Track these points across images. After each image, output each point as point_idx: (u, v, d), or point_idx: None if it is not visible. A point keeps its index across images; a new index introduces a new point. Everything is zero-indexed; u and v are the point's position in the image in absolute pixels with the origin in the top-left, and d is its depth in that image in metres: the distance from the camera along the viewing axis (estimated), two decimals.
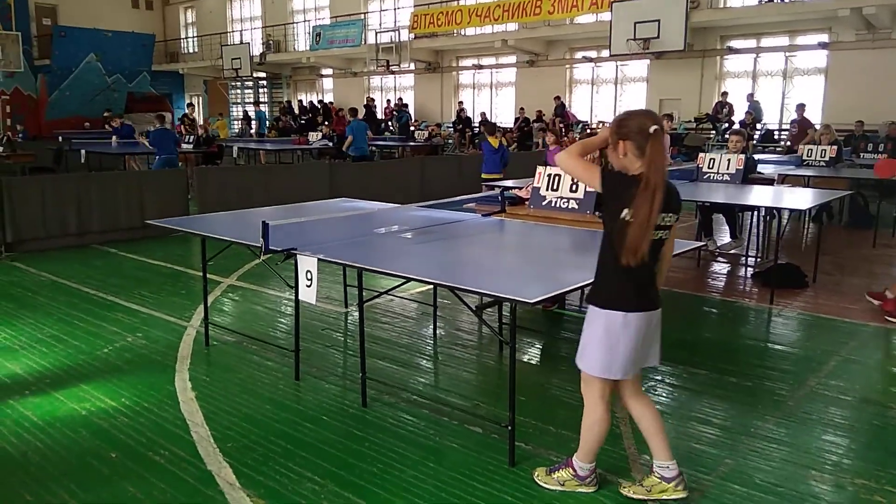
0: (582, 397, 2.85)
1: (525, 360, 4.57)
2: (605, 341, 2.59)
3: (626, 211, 2.47)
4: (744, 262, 7.40)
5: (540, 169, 5.25)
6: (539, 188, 5.20)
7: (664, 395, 3.95)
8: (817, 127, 12.86)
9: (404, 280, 3.52)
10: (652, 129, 2.46)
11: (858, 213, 9.52)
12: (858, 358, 4.59)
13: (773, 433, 3.42)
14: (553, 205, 5.08)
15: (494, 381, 4.27)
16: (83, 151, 12.63)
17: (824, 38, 15.03)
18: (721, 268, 7.24)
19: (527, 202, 5.30)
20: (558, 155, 2.73)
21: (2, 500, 2.86)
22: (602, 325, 2.60)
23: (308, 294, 3.51)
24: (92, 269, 7.03)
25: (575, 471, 2.85)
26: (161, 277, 6.71)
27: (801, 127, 13.71)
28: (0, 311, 5.46)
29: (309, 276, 3.48)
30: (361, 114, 21.55)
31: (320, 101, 24.67)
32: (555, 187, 5.11)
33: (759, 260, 7.31)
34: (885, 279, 6.15)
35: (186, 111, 11.87)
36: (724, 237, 7.82)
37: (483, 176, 9.86)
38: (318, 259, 3.45)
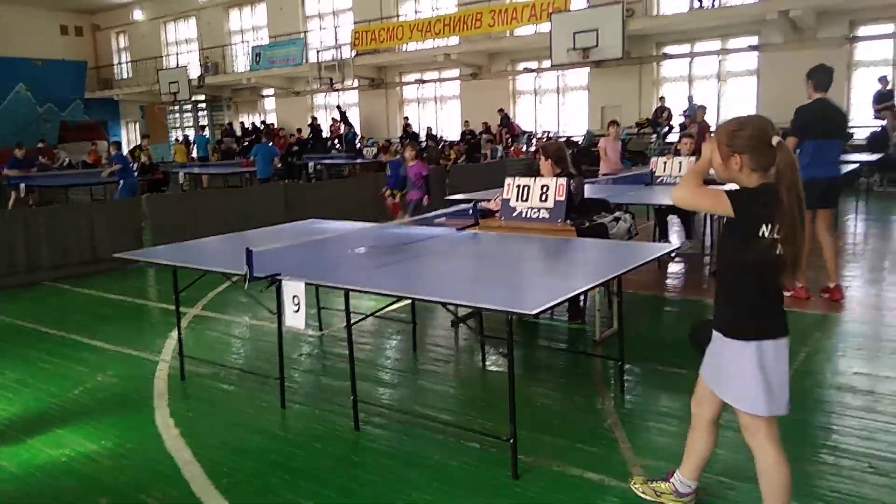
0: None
1: (504, 370, 4.58)
2: (761, 376, 2.33)
3: (763, 228, 2.26)
4: (700, 261, 7.63)
5: (508, 180, 5.31)
6: (508, 200, 5.25)
7: (657, 396, 4.02)
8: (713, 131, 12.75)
9: (395, 299, 3.51)
10: (775, 140, 2.27)
11: None
12: (826, 346, 4.78)
13: None
14: (523, 215, 5.13)
15: (480, 394, 4.28)
16: (22, 185, 12.16)
17: (754, 40, 15.70)
18: (679, 268, 7.44)
19: (497, 214, 5.35)
20: (674, 194, 2.43)
21: None
22: (754, 360, 2.33)
23: (296, 319, 3.45)
24: (47, 307, 6.75)
25: None
26: (121, 312, 6.50)
27: (700, 130, 12.58)
28: None
29: (296, 302, 3.43)
30: (304, 132, 21.44)
31: (263, 122, 24.37)
32: (524, 198, 5.16)
33: (715, 258, 7.54)
34: (838, 270, 6.40)
35: (142, 143, 11.60)
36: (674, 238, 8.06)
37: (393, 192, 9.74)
38: (306, 283, 3.41)
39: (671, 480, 2.79)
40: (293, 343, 5.16)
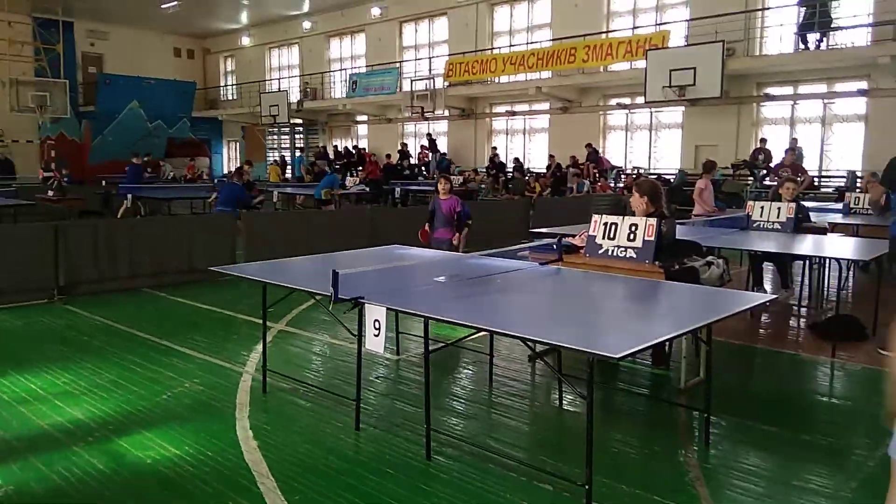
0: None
1: (580, 412, 4.46)
2: None
3: None
4: (797, 312, 7.24)
5: (596, 217, 5.23)
6: (595, 236, 5.17)
7: (744, 453, 3.81)
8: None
9: (474, 331, 3.49)
10: None
11: None
12: None
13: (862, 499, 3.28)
14: (610, 253, 5.03)
15: (555, 434, 4.19)
16: (130, 196, 12.94)
17: (863, 84, 14.96)
18: (774, 318, 7.07)
19: (582, 250, 5.26)
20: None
21: None
22: None
23: (376, 343, 3.49)
24: (144, 312, 7.12)
25: None
26: (211, 322, 6.76)
27: (794, 172, 11.84)
28: (57, 355, 5.53)
29: (377, 326, 3.47)
30: (392, 157, 21.91)
31: (355, 147, 25.10)
32: (611, 236, 5.07)
33: (812, 310, 7.14)
34: None
35: (244, 167, 12.24)
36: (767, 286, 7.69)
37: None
38: (387, 308, 3.44)
39: None
40: (369, 364, 5.21)
